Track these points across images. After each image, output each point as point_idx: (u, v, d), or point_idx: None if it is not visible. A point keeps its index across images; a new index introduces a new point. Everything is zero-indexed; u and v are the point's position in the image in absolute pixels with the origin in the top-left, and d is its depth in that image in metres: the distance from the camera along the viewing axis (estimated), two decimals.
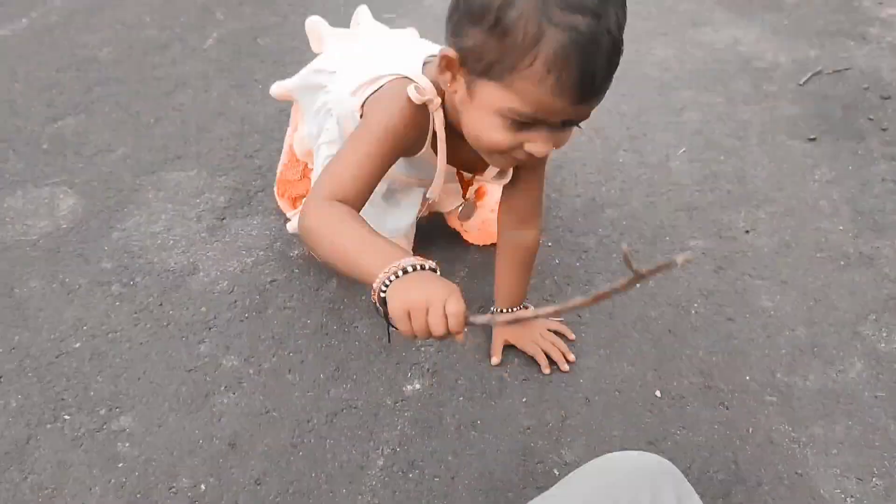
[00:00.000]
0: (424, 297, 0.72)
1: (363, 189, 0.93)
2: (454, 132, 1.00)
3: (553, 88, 0.79)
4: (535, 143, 0.87)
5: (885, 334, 1.30)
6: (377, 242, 0.81)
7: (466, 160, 1.10)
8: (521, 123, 0.84)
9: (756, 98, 1.92)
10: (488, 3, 0.78)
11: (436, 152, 1.07)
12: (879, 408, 1.17)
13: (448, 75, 0.88)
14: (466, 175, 1.21)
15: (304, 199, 0.99)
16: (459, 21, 0.83)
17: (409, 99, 0.96)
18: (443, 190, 1.18)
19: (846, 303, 1.36)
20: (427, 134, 1.03)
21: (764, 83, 2.01)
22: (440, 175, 1.12)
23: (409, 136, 0.98)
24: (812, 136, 1.81)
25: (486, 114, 0.85)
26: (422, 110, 0.98)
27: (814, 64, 2.08)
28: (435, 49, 1.01)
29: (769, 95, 1.96)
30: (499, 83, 0.81)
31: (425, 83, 0.97)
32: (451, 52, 0.85)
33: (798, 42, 2.19)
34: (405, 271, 0.75)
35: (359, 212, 0.90)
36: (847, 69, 2.06)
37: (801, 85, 2.01)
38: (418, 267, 0.75)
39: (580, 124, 0.88)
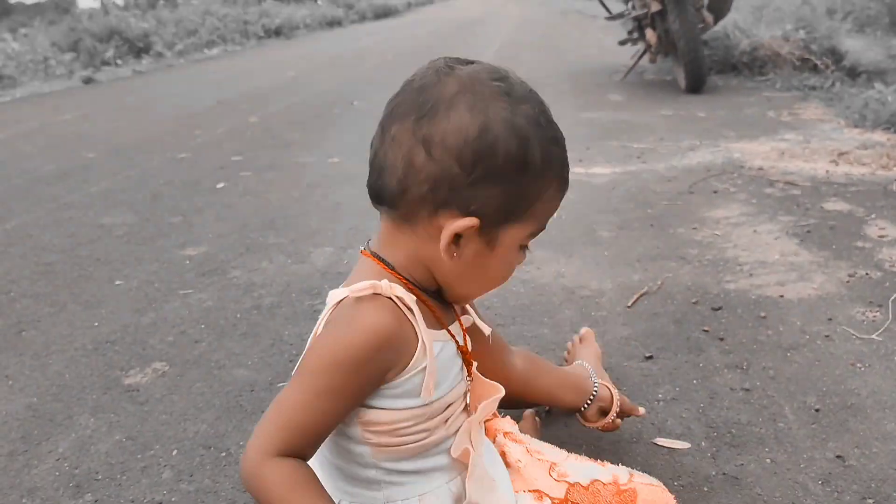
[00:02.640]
0: None
1: (321, 437, 0.84)
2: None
3: (560, 193, 0.89)
4: (524, 255, 0.92)
5: None
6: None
7: (443, 313, 0.94)
8: (524, 246, 0.90)
9: (585, 324, 1.75)
10: (511, 158, 0.81)
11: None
12: None
13: (453, 248, 0.84)
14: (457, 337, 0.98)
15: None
16: (471, 189, 0.82)
17: (364, 307, 0.83)
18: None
19: None
20: (409, 318, 0.85)
21: (591, 309, 1.88)
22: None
23: (396, 339, 0.84)
24: (648, 355, 1.63)
25: (510, 253, 0.88)
26: (383, 304, 0.83)
27: (639, 286, 1.98)
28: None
29: (598, 321, 1.81)
30: (521, 219, 0.85)
31: (354, 286, 0.84)
32: (472, 221, 0.82)
33: (620, 269, 2.11)
34: None
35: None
36: (669, 279, 1.96)
37: (629, 307, 1.88)
38: None
39: None
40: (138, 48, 10.10)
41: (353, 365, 0.82)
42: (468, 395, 0.98)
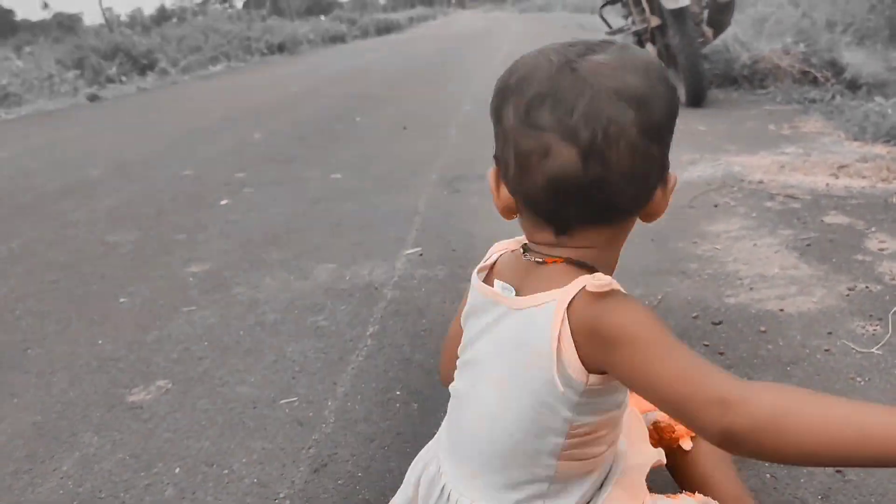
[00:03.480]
0: None
1: None
2: None
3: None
4: None
5: None
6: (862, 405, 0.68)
7: None
8: None
9: None
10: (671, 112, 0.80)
11: None
12: None
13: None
14: None
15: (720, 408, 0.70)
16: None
17: (612, 297, 0.80)
18: None
19: None
20: None
21: None
22: None
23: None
24: None
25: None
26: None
27: (640, 301, 1.98)
28: None
29: None
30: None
31: (597, 278, 0.81)
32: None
33: (622, 283, 2.10)
34: None
35: None
36: (668, 292, 1.97)
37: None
38: None
39: None
40: (143, 65, 10.19)
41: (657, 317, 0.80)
42: None
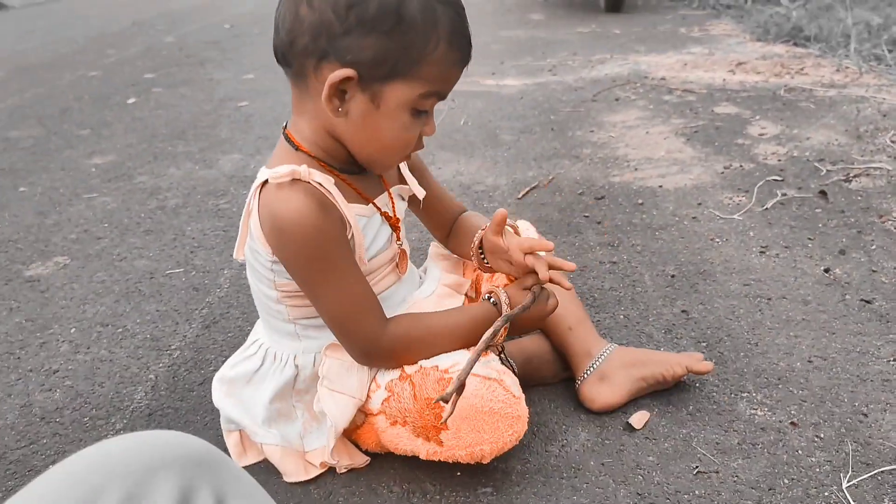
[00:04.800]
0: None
1: (373, 298, 0.97)
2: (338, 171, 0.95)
3: (455, 60, 0.87)
4: (428, 125, 0.92)
5: None
6: (456, 316, 1.02)
7: (367, 186, 1.00)
8: (419, 111, 0.88)
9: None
10: (385, 7, 0.81)
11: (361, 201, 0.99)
12: None
13: (336, 102, 0.85)
14: (382, 205, 1.03)
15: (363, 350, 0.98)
16: (346, 38, 0.82)
17: (287, 192, 0.87)
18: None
19: None
20: (330, 199, 0.90)
21: (484, 202, 1.98)
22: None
23: (327, 218, 0.89)
24: None
25: (398, 113, 0.87)
26: (305, 187, 0.88)
27: (531, 181, 2.09)
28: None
29: (489, 210, 1.91)
30: (405, 78, 0.84)
31: (274, 170, 0.89)
32: (348, 71, 0.83)
33: (516, 167, 2.21)
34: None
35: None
36: (560, 174, 2.07)
37: (519, 198, 1.99)
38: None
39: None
40: None
41: (324, 248, 0.90)
42: (397, 256, 1.06)
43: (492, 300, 1.02)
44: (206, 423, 1.15)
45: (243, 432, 1.06)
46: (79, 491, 0.45)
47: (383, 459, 1.04)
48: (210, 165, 2.37)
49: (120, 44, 4.75)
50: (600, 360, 1.14)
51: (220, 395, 1.06)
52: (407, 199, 1.10)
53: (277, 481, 1.03)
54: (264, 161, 2.23)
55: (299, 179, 0.88)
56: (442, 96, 0.89)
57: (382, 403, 0.98)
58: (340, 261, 0.91)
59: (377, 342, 0.95)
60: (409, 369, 0.98)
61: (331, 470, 1.04)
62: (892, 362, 1.21)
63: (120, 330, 1.44)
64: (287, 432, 1.03)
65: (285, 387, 1.01)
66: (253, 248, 0.95)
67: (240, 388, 1.05)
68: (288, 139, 0.94)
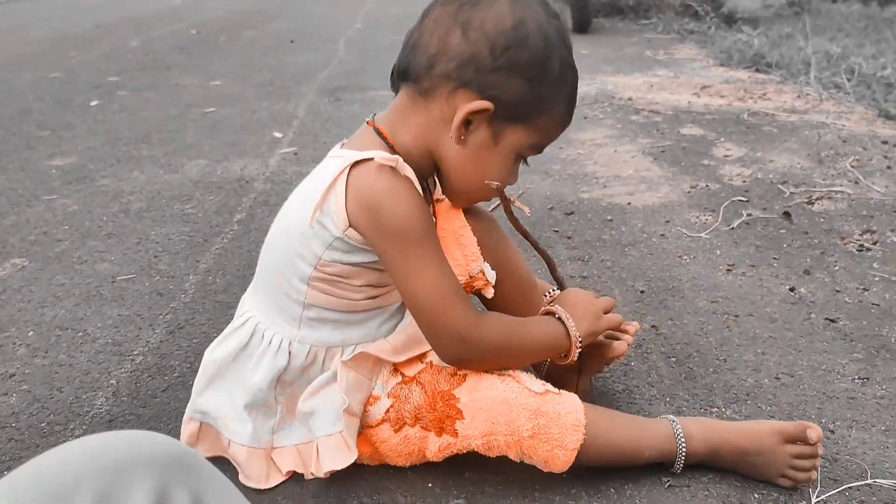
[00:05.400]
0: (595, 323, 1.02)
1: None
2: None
3: (564, 119, 0.95)
4: (516, 172, 0.98)
5: None
6: (540, 327, 1.01)
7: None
8: (521, 157, 0.95)
9: None
10: (536, 57, 0.88)
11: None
12: None
13: (462, 129, 0.89)
14: None
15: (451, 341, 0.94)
16: (493, 74, 0.87)
17: (390, 174, 0.89)
18: None
19: None
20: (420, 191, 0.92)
21: None
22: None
23: (425, 205, 0.93)
24: None
25: (509, 155, 0.93)
26: (402, 176, 0.90)
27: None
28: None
29: None
30: (526, 124, 0.90)
31: (379, 152, 0.90)
32: (486, 104, 0.87)
33: None
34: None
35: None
36: (529, 187, 2.08)
37: (490, 212, 1.98)
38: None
39: None
40: None
41: (425, 227, 0.91)
42: None
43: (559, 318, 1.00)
44: (168, 430, 1.12)
45: (205, 425, 1.03)
46: (49, 490, 0.43)
47: (353, 470, 1.02)
48: (175, 170, 2.33)
49: (83, 46, 4.67)
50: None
51: (203, 383, 1.02)
52: None
53: (244, 489, 1.00)
54: (231, 167, 2.21)
55: (395, 168, 0.90)
56: (541, 150, 0.97)
57: (386, 412, 0.97)
58: (436, 246, 0.93)
59: (472, 333, 0.92)
60: (410, 371, 0.99)
61: (298, 479, 1.01)
62: (856, 381, 1.23)
63: (80, 334, 1.40)
64: (260, 426, 1.00)
65: (274, 374, 0.99)
66: (319, 221, 0.92)
67: (224, 369, 1.01)
68: (381, 135, 0.94)
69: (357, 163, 0.90)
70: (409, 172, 0.90)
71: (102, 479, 0.44)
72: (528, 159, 1.00)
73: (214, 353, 1.02)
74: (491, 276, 1.10)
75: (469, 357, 0.96)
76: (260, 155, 2.48)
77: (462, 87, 0.88)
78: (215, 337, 1.08)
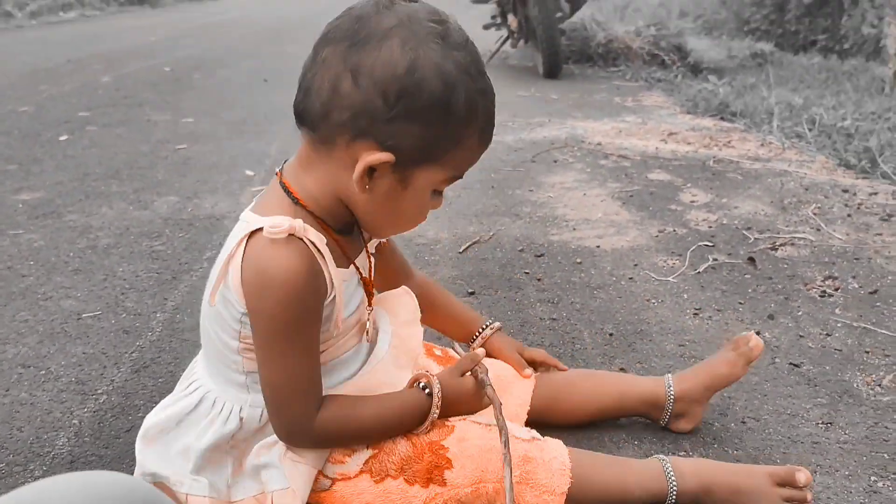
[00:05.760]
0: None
1: (318, 380, 0.92)
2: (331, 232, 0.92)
3: (481, 146, 0.89)
4: (438, 200, 0.93)
5: None
6: (388, 404, 0.95)
7: (351, 246, 0.98)
8: (438, 191, 0.91)
9: (417, 266, 1.85)
10: (435, 100, 0.82)
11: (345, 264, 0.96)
12: None
13: (365, 179, 0.85)
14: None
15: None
16: (390, 125, 0.82)
17: (280, 249, 0.84)
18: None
19: None
20: (319, 261, 0.88)
21: (425, 255, 1.98)
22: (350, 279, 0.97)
23: (312, 285, 0.87)
24: (471, 291, 1.76)
25: (422, 195, 0.89)
26: (297, 245, 0.85)
27: (472, 237, 2.11)
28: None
29: (430, 263, 1.92)
30: (437, 163, 0.86)
31: (272, 220, 0.85)
32: (387, 156, 0.83)
33: (458, 222, 2.23)
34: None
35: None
36: (500, 230, 2.10)
37: (460, 253, 2.00)
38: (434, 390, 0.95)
39: None
40: None
41: (297, 317, 0.87)
42: (368, 322, 1.03)
43: (424, 388, 0.98)
44: (131, 470, 1.10)
45: (161, 483, 1.00)
46: None
47: None
48: (145, 206, 2.32)
49: (54, 80, 4.65)
50: (671, 398, 1.20)
51: (143, 445, 1.00)
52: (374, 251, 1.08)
53: None
54: (202, 205, 2.21)
55: (294, 235, 0.86)
56: (460, 177, 0.92)
57: (366, 463, 0.95)
58: (307, 334, 0.89)
59: (306, 426, 0.91)
60: None
61: None
62: (820, 425, 1.25)
63: (43, 372, 1.37)
64: (215, 480, 0.98)
65: (223, 438, 0.97)
66: (225, 297, 0.90)
67: (165, 434, 0.99)
68: (286, 189, 0.90)
69: (254, 232, 0.86)
70: (313, 235, 0.87)
71: None
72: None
73: (157, 416, 1.00)
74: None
75: (301, 443, 0.94)
76: (231, 193, 2.48)
77: (359, 137, 0.83)
78: (180, 376, 1.07)
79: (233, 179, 2.64)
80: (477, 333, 1.25)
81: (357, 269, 0.98)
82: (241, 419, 0.95)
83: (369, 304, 1.03)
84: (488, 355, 1.20)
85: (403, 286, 1.15)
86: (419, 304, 1.14)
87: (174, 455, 0.97)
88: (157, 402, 1.16)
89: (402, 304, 1.12)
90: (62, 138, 3.17)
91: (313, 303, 0.88)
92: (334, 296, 0.91)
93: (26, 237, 2.03)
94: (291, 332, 0.87)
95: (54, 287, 1.72)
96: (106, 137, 3.21)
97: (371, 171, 0.85)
